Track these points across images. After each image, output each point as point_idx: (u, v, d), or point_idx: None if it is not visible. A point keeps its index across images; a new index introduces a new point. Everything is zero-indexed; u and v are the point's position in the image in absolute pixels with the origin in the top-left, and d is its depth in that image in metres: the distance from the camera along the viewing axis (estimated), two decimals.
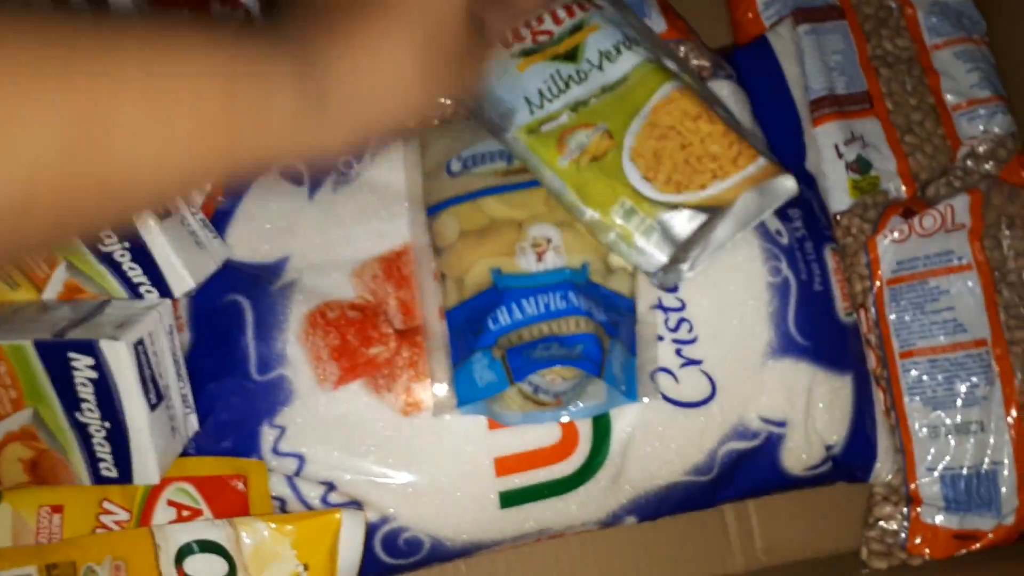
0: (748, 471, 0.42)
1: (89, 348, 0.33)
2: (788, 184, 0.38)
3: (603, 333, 0.35)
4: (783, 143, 0.46)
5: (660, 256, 0.36)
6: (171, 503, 0.38)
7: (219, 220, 0.42)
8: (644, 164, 0.37)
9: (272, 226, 0.42)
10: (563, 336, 0.35)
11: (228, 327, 0.40)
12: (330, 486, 0.38)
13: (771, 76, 0.49)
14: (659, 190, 0.36)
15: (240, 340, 0.39)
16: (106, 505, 0.38)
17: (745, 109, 0.46)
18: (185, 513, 0.38)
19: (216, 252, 0.40)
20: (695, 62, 0.46)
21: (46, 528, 0.38)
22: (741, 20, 0.53)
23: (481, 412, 0.37)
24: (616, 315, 0.37)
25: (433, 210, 0.41)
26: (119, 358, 0.33)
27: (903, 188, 0.49)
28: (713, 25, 0.53)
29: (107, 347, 0.33)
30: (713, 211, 0.36)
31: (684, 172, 0.37)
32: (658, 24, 0.46)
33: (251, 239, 0.42)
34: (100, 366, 0.33)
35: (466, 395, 0.35)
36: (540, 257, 0.37)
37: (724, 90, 0.45)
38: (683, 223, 0.36)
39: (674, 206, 0.36)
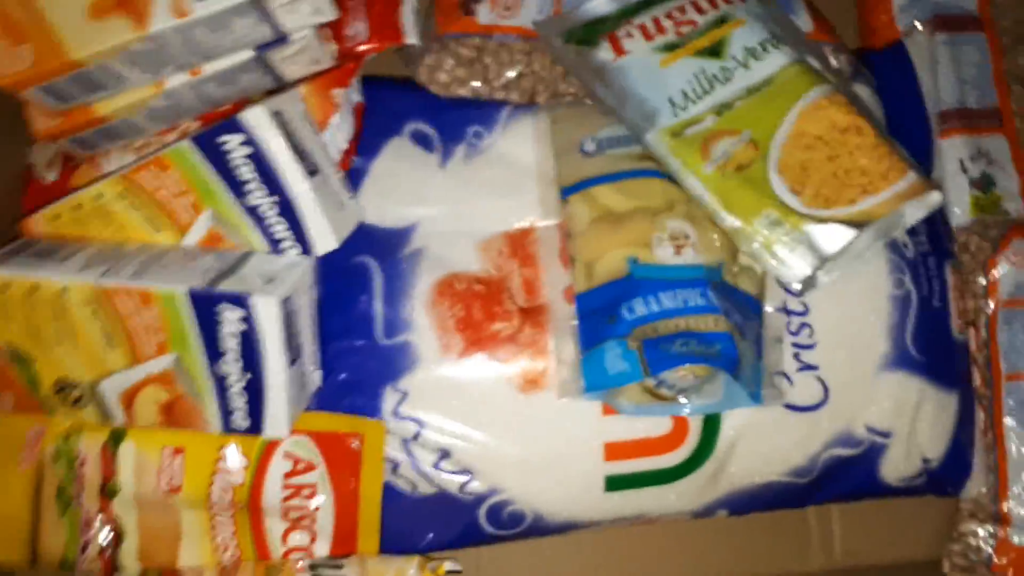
0: (845, 477, 0.42)
1: (240, 301, 0.34)
2: (935, 200, 0.38)
3: (738, 335, 0.35)
4: (911, 152, 0.46)
5: (804, 268, 0.36)
6: (288, 455, 0.39)
7: (352, 178, 0.42)
8: (791, 176, 0.37)
9: (403, 191, 0.42)
10: (701, 333, 0.35)
11: (357, 288, 0.40)
12: (444, 453, 0.39)
13: (905, 83, 0.48)
14: (806, 204, 0.36)
15: (369, 302, 0.40)
16: (225, 451, 0.39)
17: (880, 115, 0.45)
18: (300, 465, 0.39)
19: (353, 212, 0.40)
20: (836, 64, 0.45)
21: (168, 468, 0.39)
22: (874, 22, 0.52)
23: (600, 399, 0.38)
24: (745, 316, 0.37)
25: (567, 192, 0.41)
26: (269, 313, 0.34)
27: None
28: (840, 27, 0.52)
29: (259, 302, 0.34)
30: (862, 226, 0.36)
31: (832, 186, 0.37)
32: (805, 23, 0.45)
33: (381, 202, 0.42)
34: (249, 319, 0.34)
35: (595, 382, 0.36)
36: (678, 251, 0.37)
37: (861, 93, 0.45)
38: (831, 238, 0.36)
39: (822, 220, 0.36)
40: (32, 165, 0.43)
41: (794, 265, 0.37)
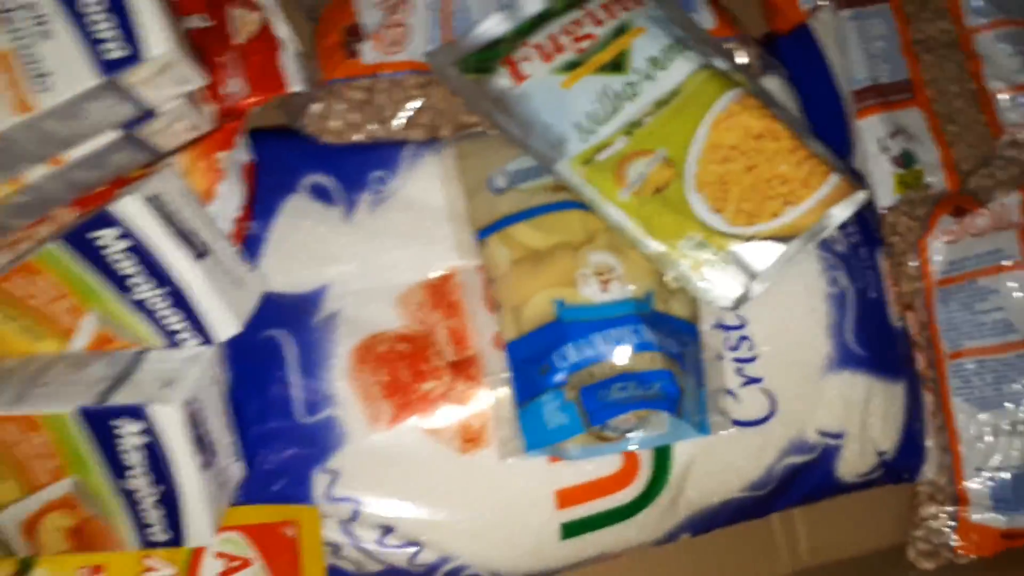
0: (802, 482, 0.41)
1: (137, 413, 0.31)
2: (862, 198, 0.36)
3: (677, 368, 0.34)
4: (828, 138, 0.44)
5: (735, 289, 0.35)
6: (219, 555, 0.36)
7: (250, 247, 0.39)
8: (710, 194, 0.35)
9: (308, 252, 0.39)
10: (638, 373, 0.33)
11: (269, 366, 0.37)
12: (387, 529, 0.37)
13: (815, 67, 0.47)
14: (729, 222, 0.35)
15: (284, 380, 0.37)
16: (149, 562, 0.36)
17: (794, 106, 0.44)
18: (234, 563, 0.37)
19: (255, 285, 0.37)
20: (743, 59, 0.43)
21: None
22: (778, 3, 0.50)
23: (543, 454, 0.36)
24: (682, 344, 0.36)
25: (483, 233, 0.38)
26: (171, 421, 0.31)
27: (946, 180, 0.47)
28: (742, 10, 0.50)
29: (157, 412, 0.31)
30: (789, 240, 0.35)
31: (753, 199, 0.35)
32: (707, 19, 0.43)
33: (286, 267, 0.39)
34: (150, 431, 0.31)
35: (535, 439, 0.34)
36: (605, 286, 0.35)
37: (773, 86, 0.43)
38: (759, 256, 0.34)
39: (747, 238, 0.34)
40: None
41: (724, 286, 0.35)
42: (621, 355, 0.34)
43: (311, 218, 0.40)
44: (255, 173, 0.41)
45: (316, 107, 0.41)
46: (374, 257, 0.40)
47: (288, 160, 0.41)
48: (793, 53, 0.47)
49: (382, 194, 0.41)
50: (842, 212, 0.37)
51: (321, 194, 0.41)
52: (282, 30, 0.42)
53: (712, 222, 0.35)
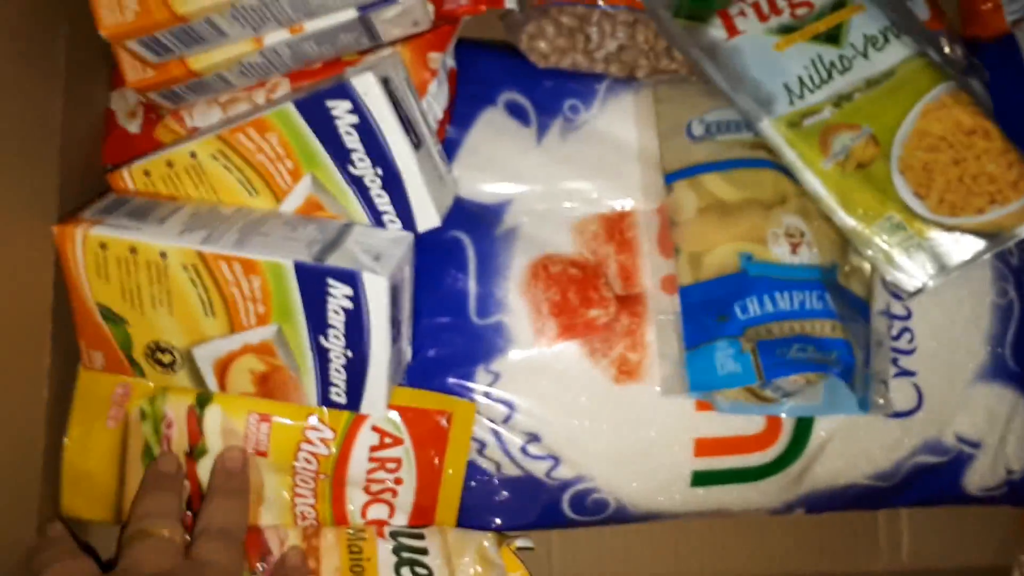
0: (926, 484, 0.42)
1: (350, 278, 0.33)
2: None
3: (854, 341, 0.35)
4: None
5: (923, 277, 0.35)
6: (375, 428, 0.39)
7: (446, 149, 0.40)
8: (914, 178, 0.35)
9: (497, 166, 0.41)
10: (817, 338, 0.34)
11: (450, 265, 0.39)
12: (533, 437, 0.39)
13: (1016, 79, 0.46)
14: (932, 209, 0.35)
15: (462, 280, 0.39)
16: (312, 420, 0.38)
17: (991, 111, 0.44)
18: (387, 440, 0.39)
19: (451, 187, 0.39)
20: (951, 56, 0.43)
21: (254, 434, 0.38)
22: (977, 9, 0.50)
23: (703, 397, 0.37)
24: (856, 321, 0.36)
25: (671, 178, 0.39)
26: (378, 292, 0.33)
27: None
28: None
29: (368, 280, 0.32)
30: (991, 238, 0.35)
31: (958, 192, 0.35)
32: (922, 10, 0.43)
33: (475, 176, 0.41)
34: (357, 297, 0.33)
35: (702, 381, 0.35)
36: (794, 249, 0.35)
37: (974, 88, 0.43)
38: (958, 248, 0.35)
39: (948, 228, 0.35)
40: (114, 112, 0.42)
41: (914, 273, 0.35)
42: (803, 318, 0.35)
43: (505, 134, 0.41)
44: (456, 80, 0.42)
45: (530, 27, 0.42)
46: (557, 182, 0.41)
47: (489, 73, 0.42)
48: (994, 61, 0.46)
49: (574, 123, 0.42)
50: None
51: (517, 112, 0.42)
52: None
53: (914, 206, 0.35)
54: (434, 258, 0.39)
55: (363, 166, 0.35)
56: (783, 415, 0.38)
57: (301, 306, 0.34)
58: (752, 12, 0.40)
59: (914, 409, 0.40)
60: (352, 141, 0.35)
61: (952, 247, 0.35)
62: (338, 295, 0.33)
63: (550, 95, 0.42)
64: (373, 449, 0.39)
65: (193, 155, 0.36)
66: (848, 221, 0.36)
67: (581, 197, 0.41)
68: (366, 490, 0.39)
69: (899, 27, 0.40)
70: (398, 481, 0.39)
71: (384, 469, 0.39)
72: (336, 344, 0.34)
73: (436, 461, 0.39)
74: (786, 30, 0.40)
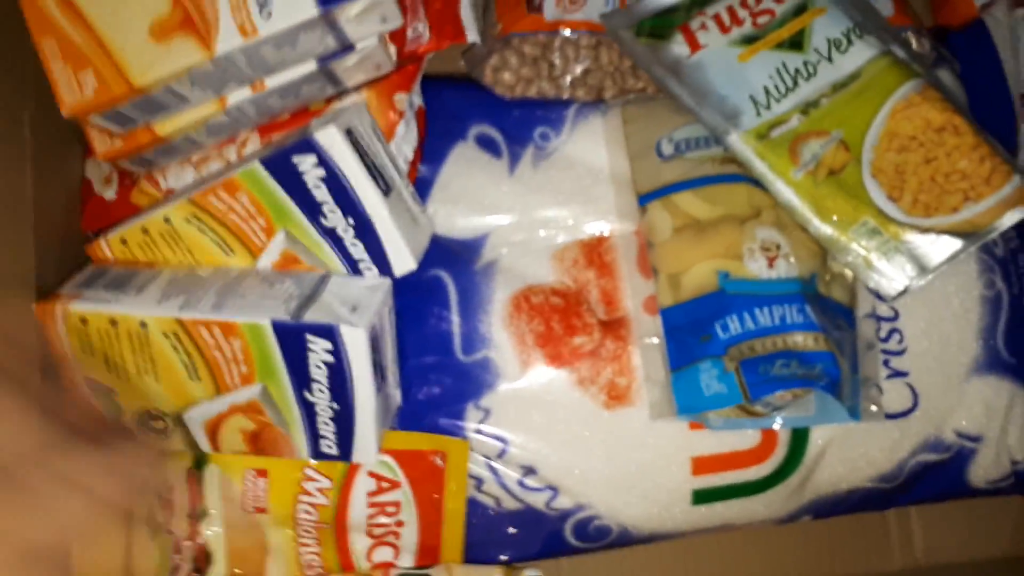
0: (931, 481, 0.42)
1: (329, 332, 0.33)
2: None
3: (838, 352, 0.34)
4: (995, 137, 0.44)
5: (903, 280, 0.35)
6: (371, 474, 0.39)
7: (419, 188, 0.41)
8: (887, 181, 0.35)
9: (471, 200, 0.41)
10: (801, 352, 0.34)
11: (432, 304, 0.39)
12: (529, 470, 0.39)
13: (987, 65, 0.45)
14: (906, 212, 0.35)
15: (445, 318, 0.39)
16: (308, 472, 0.38)
17: (963, 101, 0.43)
18: (384, 484, 0.39)
19: (426, 226, 0.39)
20: (918, 49, 0.43)
21: (251, 490, 0.38)
22: None
23: (692, 419, 0.37)
24: (840, 329, 0.36)
25: (644, 199, 0.39)
26: (357, 343, 0.33)
27: None
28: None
29: (347, 333, 0.33)
30: (968, 237, 0.34)
31: (932, 192, 0.35)
32: (884, 6, 0.43)
33: (450, 211, 0.41)
34: (337, 350, 0.33)
35: (689, 403, 0.35)
36: (771, 263, 0.35)
37: (945, 80, 0.43)
38: (936, 249, 0.34)
39: (924, 230, 0.34)
40: (89, 180, 0.42)
41: (894, 276, 0.35)
42: (784, 332, 0.34)
43: (476, 167, 0.41)
44: (425, 117, 0.42)
45: (493, 59, 0.42)
46: (533, 211, 0.41)
47: (458, 108, 0.43)
48: (965, 49, 0.46)
49: (545, 150, 0.42)
50: (1016, 214, 0.36)
51: (487, 145, 0.42)
52: None
53: (888, 210, 0.35)
54: (416, 298, 0.39)
55: (334, 217, 0.36)
56: (778, 428, 0.38)
57: (283, 363, 0.34)
58: (713, 25, 0.40)
59: (910, 409, 0.40)
60: (321, 194, 0.35)
61: (930, 248, 0.35)
62: (318, 350, 0.33)
63: (519, 124, 0.42)
64: (371, 494, 0.39)
65: (167, 220, 0.37)
66: (823, 229, 0.36)
67: (557, 224, 0.41)
68: (369, 534, 0.39)
69: (862, 27, 0.40)
70: (399, 523, 0.39)
71: (384, 513, 0.39)
72: (321, 398, 0.34)
73: (435, 500, 0.39)
74: (749, 40, 0.40)
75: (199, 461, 0.38)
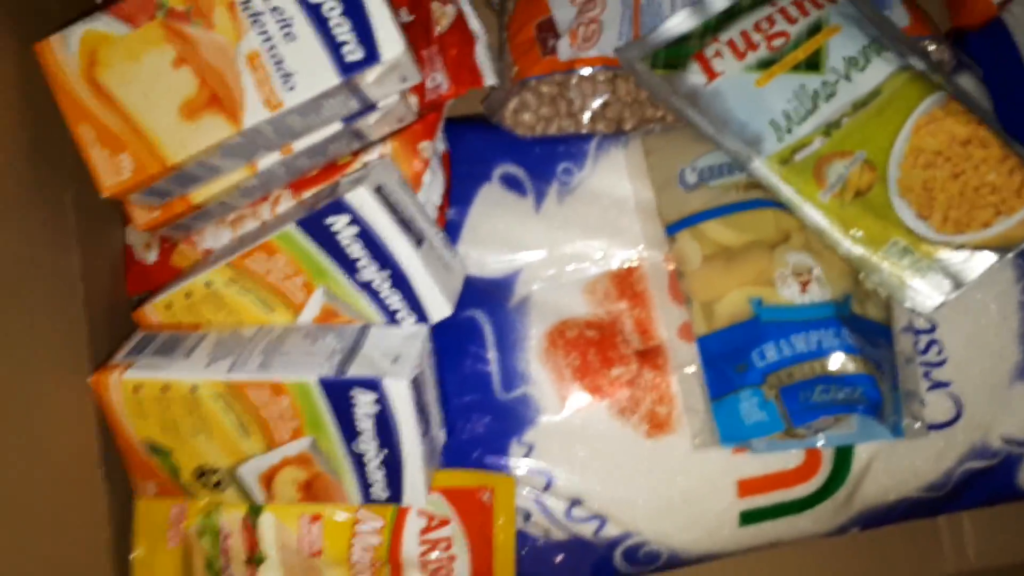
0: (980, 487, 0.41)
1: (373, 385, 0.34)
2: None
3: (877, 373, 0.35)
4: (1022, 139, 0.43)
5: (938, 297, 0.35)
6: (421, 512, 0.40)
7: (449, 231, 0.42)
8: (915, 200, 0.35)
9: (500, 239, 0.42)
10: (839, 376, 0.34)
11: (469, 343, 0.40)
12: (575, 501, 0.39)
13: (1009, 64, 0.45)
14: (936, 230, 0.34)
15: (483, 357, 0.40)
16: (361, 514, 0.40)
17: (987, 106, 0.43)
18: (434, 522, 0.40)
19: (459, 270, 0.40)
20: (937, 59, 0.43)
21: (307, 535, 0.40)
22: None
23: (736, 445, 0.37)
24: (878, 347, 0.36)
25: (672, 229, 0.40)
26: (401, 394, 0.34)
27: None
28: (925, 4, 0.49)
29: (390, 384, 0.34)
30: (1002, 251, 0.34)
31: (962, 207, 0.35)
32: (900, 17, 0.42)
33: (481, 252, 0.41)
34: (382, 401, 0.34)
35: (731, 432, 0.35)
36: (804, 288, 0.36)
37: (967, 86, 0.42)
38: (969, 265, 0.34)
39: (957, 247, 0.34)
40: (130, 246, 0.44)
41: (928, 294, 0.35)
42: (822, 357, 0.35)
43: (503, 207, 0.42)
44: (450, 161, 0.43)
45: (513, 102, 0.43)
46: (561, 246, 0.41)
47: (481, 149, 0.43)
48: (985, 49, 0.45)
49: (569, 185, 0.42)
50: None
51: (512, 184, 0.43)
52: (474, 23, 0.44)
53: (918, 229, 0.35)
54: (453, 339, 0.40)
55: (370, 271, 0.37)
56: (821, 447, 0.38)
57: (331, 417, 0.35)
58: (728, 51, 0.41)
59: (954, 419, 0.39)
60: (356, 250, 0.36)
61: (964, 265, 0.35)
62: (364, 402, 0.34)
63: (542, 161, 0.43)
64: (423, 532, 0.40)
65: (208, 284, 0.38)
66: (854, 251, 0.36)
67: (587, 257, 0.41)
68: (423, 568, 0.40)
69: (879, 43, 0.39)
70: (452, 558, 0.40)
71: (437, 549, 0.40)
72: (370, 447, 0.35)
73: (485, 534, 0.40)
74: (765, 64, 0.40)
75: (254, 509, 0.39)
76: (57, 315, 0.36)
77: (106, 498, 0.37)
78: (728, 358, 0.36)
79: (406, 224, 0.37)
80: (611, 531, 0.39)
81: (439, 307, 0.37)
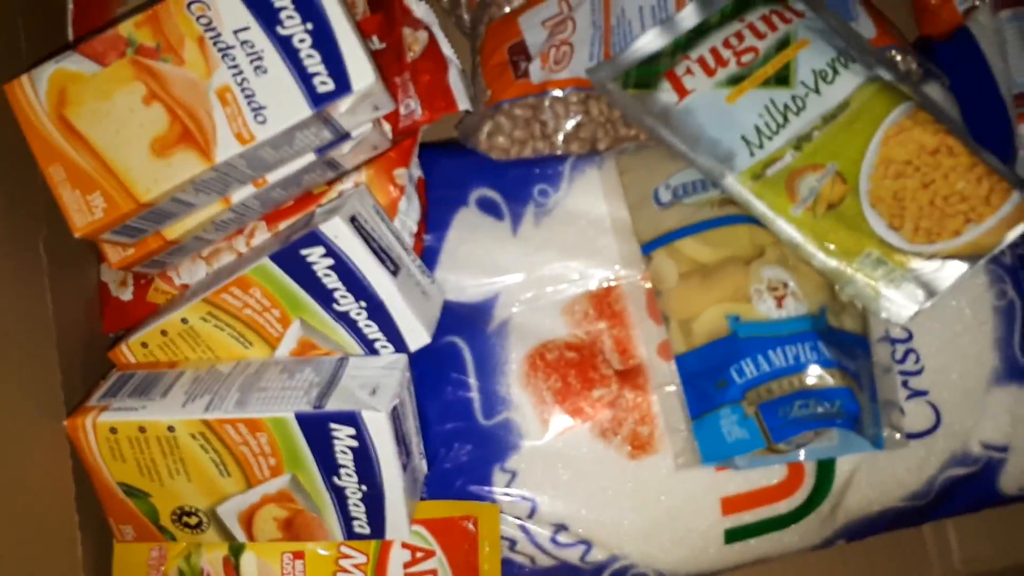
0: (963, 494, 0.42)
1: (351, 419, 0.33)
2: None
3: (855, 384, 0.35)
4: (990, 146, 0.43)
5: (912, 306, 0.35)
6: (405, 545, 0.39)
7: (426, 257, 0.41)
8: (887, 210, 0.35)
9: (478, 263, 0.41)
10: (818, 390, 0.34)
11: (449, 370, 0.40)
12: (561, 527, 0.39)
13: (976, 71, 0.46)
14: (908, 240, 0.35)
15: (464, 383, 0.40)
16: (344, 549, 0.39)
17: (956, 114, 0.43)
18: (418, 554, 0.40)
19: (436, 297, 0.40)
20: (904, 68, 0.43)
21: (290, 572, 0.39)
22: (927, 6, 0.50)
23: (718, 464, 0.37)
24: (855, 358, 0.36)
25: (648, 248, 0.40)
26: (380, 427, 0.34)
27: None
28: (891, 14, 0.49)
29: (369, 417, 0.33)
30: (972, 259, 0.35)
31: (932, 217, 0.35)
32: (867, 28, 0.43)
33: (458, 277, 0.41)
34: (361, 435, 0.34)
35: (713, 451, 0.35)
36: (780, 303, 0.36)
37: (935, 95, 0.43)
38: (942, 274, 0.35)
39: (928, 256, 0.35)
40: (106, 284, 0.43)
41: (903, 304, 0.35)
42: (800, 372, 0.35)
43: (480, 231, 0.42)
44: (425, 186, 0.43)
45: (487, 126, 0.43)
46: (539, 268, 0.41)
47: (458, 174, 0.43)
48: (952, 58, 0.46)
49: (545, 207, 0.42)
50: (1022, 230, 0.36)
51: (489, 207, 0.43)
52: (446, 48, 0.44)
53: (891, 239, 0.35)
54: (433, 366, 0.40)
55: (346, 302, 0.36)
56: (803, 460, 0.38)
57: (309, 452, 0.34)
58: (698, 68, 0.41)
59: (933, 427, 0.40)
60: (332, 282, 0.36)
61: (936, 274, 0.35)
62: (342, 436, 0.34)
63: (518, 184, 0.43)
64: (407, 565, 0.39)
65: (184, 321, 0.38)
66: (828, 263, 0.36)
67: (565, 279, 0.41)
68: None
69: (847, 55, 0.40)
70: None
71: None
72: (350, 481, 0.35)
73: (471, 564, 0.39)
74: (735, 80, 0.40)
75: (235, 550, 0.38)
76: (29, 359, 0.35)
77: (81, 544, 0.37)
78: (707, 375, 0.36)
79: (382, 253, 0.36)
80: (597, 556, 0.39)
81: (417, 336, 0.37)
